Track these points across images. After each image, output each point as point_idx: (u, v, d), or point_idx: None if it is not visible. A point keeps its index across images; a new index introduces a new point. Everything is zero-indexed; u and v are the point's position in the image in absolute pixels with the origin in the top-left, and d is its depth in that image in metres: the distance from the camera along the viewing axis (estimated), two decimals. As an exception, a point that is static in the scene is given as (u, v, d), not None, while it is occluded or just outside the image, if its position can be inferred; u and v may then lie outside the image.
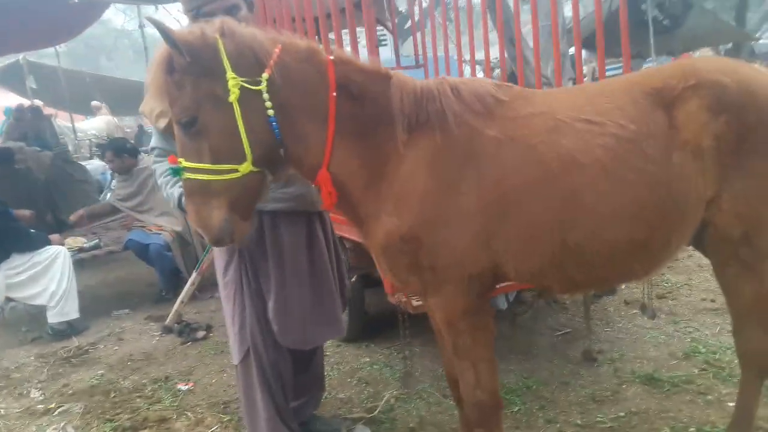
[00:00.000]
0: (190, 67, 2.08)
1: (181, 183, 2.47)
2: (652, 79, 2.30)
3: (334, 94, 2.21)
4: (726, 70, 2.28)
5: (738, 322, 2.52)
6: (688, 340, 4.04)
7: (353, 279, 4.00)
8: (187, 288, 5.25)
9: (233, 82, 2.09)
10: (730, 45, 14.32)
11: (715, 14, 13.60)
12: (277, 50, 2.17)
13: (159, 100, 2.25)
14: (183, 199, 2.45)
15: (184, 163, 2.17)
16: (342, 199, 2.31)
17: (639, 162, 2.17)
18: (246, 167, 2.13)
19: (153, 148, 2.90)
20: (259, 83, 2.13)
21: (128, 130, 15.44)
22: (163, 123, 2.70)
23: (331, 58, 2.27)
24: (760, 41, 17.08)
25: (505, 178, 2.19)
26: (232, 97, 2.09)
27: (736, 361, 3.58)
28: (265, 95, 2.13)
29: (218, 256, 2.94)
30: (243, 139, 2.11)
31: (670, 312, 4.58)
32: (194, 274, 5.27)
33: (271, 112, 2.15)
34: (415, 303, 3.28)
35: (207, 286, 5.81)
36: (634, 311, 4.53)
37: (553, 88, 2.63)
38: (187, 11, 2.71)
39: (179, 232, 6.14)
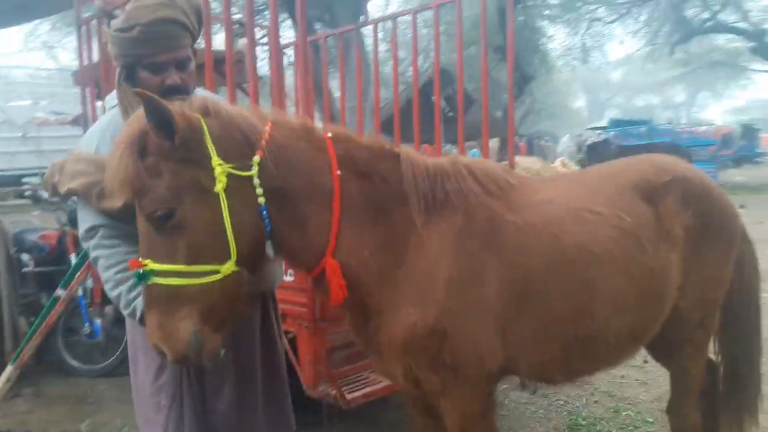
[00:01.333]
0: (171, 152, 1.76)
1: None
2: (630, 173, 2.46)
3: (338, 172, 1.99)
4: (688, 167, 2.54)
5: (679, 401, 2.70)
6: (564, 413, 4.27)
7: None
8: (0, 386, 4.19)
9: (220, 170, 1.79)
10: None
11: (489, 110, 15.53)
12: (267, 128, 1.92)
13: (118, 185, 1.80)
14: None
15: (153, 265, 1.77)
16: (349, 291, 2.03)
17: (637, 253, 2.27)
18: (229, 267, 1.81)
19: (93, 228, 2.20)
20: (249, 168, 1.85)
21: None
22: (111, 203, 2.13)
23: (329, 135, 2.05)
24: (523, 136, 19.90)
25: (526, 265, 2.13)
26: (219, 187, 1.79)
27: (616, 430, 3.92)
28: (256, 181, 1.86)
29: (140, 345, 2.35)
30: (229, 235, 1.80)
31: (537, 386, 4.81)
32: (10, 368, 4.24)
33: (262, 200, 1.87)
34: (349, 396, 2.99)
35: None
36: (506, 386, 4.69)
37: (543, 178, 2.67)
38: (122, 56, 2.22)
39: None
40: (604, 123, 27.62)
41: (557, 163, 7.52)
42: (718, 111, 60.56)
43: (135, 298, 2.10)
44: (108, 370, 5.27)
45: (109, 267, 2.16)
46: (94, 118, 5.16)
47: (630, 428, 4.00)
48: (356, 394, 2.98)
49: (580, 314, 2.20)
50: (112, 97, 2.38)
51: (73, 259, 5.15)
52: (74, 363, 5.28)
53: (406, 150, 2.17)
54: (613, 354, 2.35)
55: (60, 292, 4.37)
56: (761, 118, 55.04)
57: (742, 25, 22.88)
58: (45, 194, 5.20)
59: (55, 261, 5.46)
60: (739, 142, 26.74)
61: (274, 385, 2.51)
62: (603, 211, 2.28)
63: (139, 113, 1.81)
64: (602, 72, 49.63)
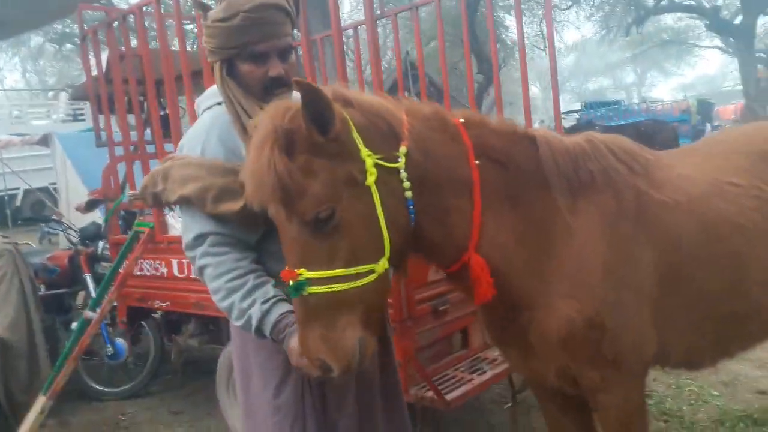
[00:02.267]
0: (323, 147, 1.60)
1: (262, 294, 1.91)
2: (756, 141, 2.35)
3: (477, 161, 1.84)
4: None
5: None
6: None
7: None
8: (33, 419, 3.87)
9: (370, 161, 1.65)
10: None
11: (457, 99, 15.56)
12: (405, 117, 1.77)
13: (268, 189, 1.61)
14: (269, 321, 1.87)
15: (309, 274, 1.61)
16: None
17: None
18: (383, 265, 1.67)
19: (201, 236, 1.99)
20: (396, 159, 1.71)
21: None
22: (230, 206, 1.95)
23: (461, 121, 1.90)
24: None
25: (678, 245, 2.01)
26: (371, 179, 1.65)
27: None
28: (403, 173, 1.71)
29: (254, 360, 2.16)
30: (383, 230, 1.66)
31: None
32: (42, 398, 3.93)
33: (409, 193, 1.72)
34: (449, 396, 2.83)
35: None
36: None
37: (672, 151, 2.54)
38: (223, 49, 2.04)
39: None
40: (565, 108, 27.95)
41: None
42: (666, 89, 62.16)
43: (250, 306, 1.91)
44: (135, 391, 5.02)
45: (219, 275, 1.97)
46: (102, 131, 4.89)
47: (699, 403, 3.95)
48: (455, 393, 2.81)
49: (732, 292, 2.09)
50: (209, 96, 2.18)
51: (89, 279, 4.87)
52: (98, 387, 5.00)
53: (542, 131, 2.02)
54: (764, 329, 2.24)
55: (90, 314, 4.08)
56: (707, 93, 56.92)
57: (690, 2, 23.46)
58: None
59: (68, 282, 5.17)
60: (696, 117, 27.48)
61: (391, 388, 2.34)
62: (742, 183, 2.17)
63: (275, 108, 1.65)
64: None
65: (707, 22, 22.00)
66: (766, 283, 2.13)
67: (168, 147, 4.24)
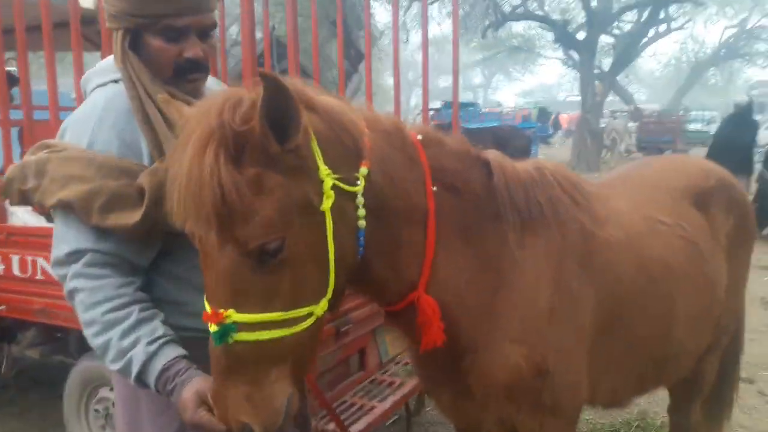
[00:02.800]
0: (278, 159, 1.29)
1: (148, 331, 1.56)
2: (678, 177, 2.35)
3: (434, 188, 1.63)
4: (723, 170, 2.51)
5: (687, 403, 2.65)
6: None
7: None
8: None
9: (329, 182, 1.37)
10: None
11: (323, 84, 15.30)
12: (366, 130, 1.51)
13: (204, 206, 1.26)
14: (154, 368, 1.53)
15: (238, 317, 1.31)
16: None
17: (702, 265, 2.18)
18: (322, 307, 1.42)
19: (77, 252, 1.58)
20: (355, 182, 1.44)
21: None
22: (122, 219, 1.55)
23: (419, 137, 1.67)
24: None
25: (616, 285, 1.94)
26: (326, 204, 1.36)
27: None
28: (360, 199, 1.45)
29: (146, 408, 1.77)
30: (330, 266, 1.39)
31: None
32: None
33: (363, 222, 1.46)
34: (354, 429, 2.59)
35: None
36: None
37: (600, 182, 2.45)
38: (130, 16, 1.63)
39: None
40: (416, 104, 28.60)
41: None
42: (509, 93, 66.22)
43: (131, 346, 1.55)
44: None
45: (94, 305, 1.57)
46: None
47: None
48: (359, 426, 2.58)
49: (660, 335, 2.07)
50: (103, 71, 1.76)
51: None
52: None
53: (495, 155, 1.83)
54: (676, 372, 2.26)
55: None
56: (544, 99, 61.44)
57: (540, 13, 24.94)
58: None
59: None
60: (536, 123, 29.52)
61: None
62: (668, 221, 2.15)
63: (221, 100, 1.30)
64: (411, 52, 51.55)
65: (556, 34, 23.50)
66: (689, 325, 2.14)
67: (14, 114, 3.58)
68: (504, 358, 1.73)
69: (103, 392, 3.37)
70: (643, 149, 25.15)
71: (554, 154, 26.54)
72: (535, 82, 62.54)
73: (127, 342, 1.55)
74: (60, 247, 1.62)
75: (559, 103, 60.30)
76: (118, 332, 1.55)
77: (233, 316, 1.29)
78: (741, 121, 9.38)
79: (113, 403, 3.33)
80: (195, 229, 1.31)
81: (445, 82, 65.15)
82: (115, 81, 1.71)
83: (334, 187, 1.37)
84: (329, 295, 1.41)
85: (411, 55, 57.81)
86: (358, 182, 1.44)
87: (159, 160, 1.60)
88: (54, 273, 1.65)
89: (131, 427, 1.83)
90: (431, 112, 24.06)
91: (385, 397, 2.86)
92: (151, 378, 1.53)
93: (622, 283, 1.94)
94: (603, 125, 22.54)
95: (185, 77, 1.69)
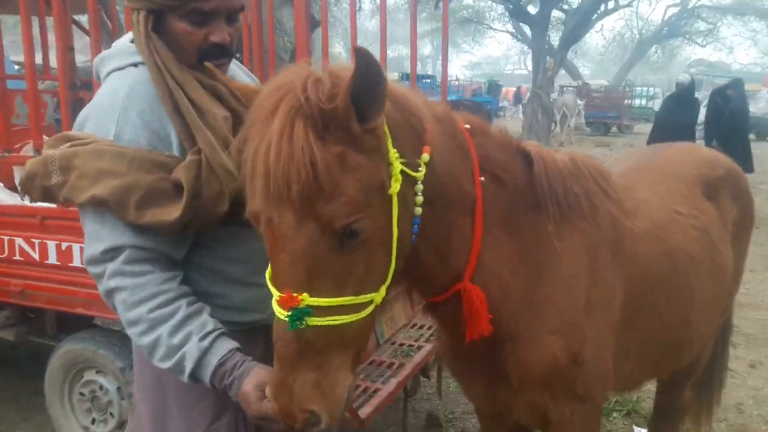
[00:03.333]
0: (359, 139, 1.26)
1: (199, 326, 1.53)
2: (688, 167, 2.41)
3: (482, 178, 1.62)
4: (728, 158, 2.58)
5: (681, 383, 2.76)
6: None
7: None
8: None
9: (398, 166, 1.35)
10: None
11: (278, 54, 15.00)
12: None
13: (279, 181, 1.21)
14: (209, 363, 1.49)
15: (312, 301, 1.27)
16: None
17: (715, 254, 2.25)
18: (381, 294, 1.40)
19: (114, 249, 1.50)
20: (417, 168, 1.42)
21: None
22: (160, 214, 1.48)
23: (467, 126, 1.66)
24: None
25: (644, 277, 1.98)
26: (395, 188, 1.34)
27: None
28: (419, 186, 1.43)
29: (175, 402, 1.72)
30: (393, 251, 1.38)
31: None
32: None
33: (419, 209, 1.45)
34: (362, 412, 2.58)
35: None
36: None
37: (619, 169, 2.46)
38: (155, 2, 1.55)
39: None
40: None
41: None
42: (457, 65, 66.38)
43: (183, 342, 1.50)
44: None
45: (138, 303, 1.51)
46: None
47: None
48: (368, 409, 2.58)
49: (680, 322, 2.12)
50: (122, 53, 1.66)
51: None
52: None
53: (536, 146, 1.83)
54: (688, 356, 2.33)
55: None
56: (491, 72, 61.90)
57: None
58: None
59: None
60: (485, 96, 29.80)
61: None
62: (684, 211, 2.20)
63: (301, 75, 1.26)
64: (362, 21, 50.92)
65: (510, 6, 23.55)
66: (704, 311, 2.21)
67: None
68: (543, 348, 1.75)
69: (89, 375, 3.26)
70: (590, 124, 25.76)
71: (506, 126, 26.81)
72: (482, 54, 62.87)
73: (177, 339, 1.49)
74: (94, 246, 1.54)
75: (506, 76, 60.93)
76: (167, 329, 1.50)
77: (307, 299, 1.26)
78: (683, 100, 9.47)
79: (100, 386, 3.24)
80: (269, 208, 1.25)
81: (393, 52, 64.82)
82: (135, 65, 1.61)
83: (401, 172, 1.34)
84: (389, 281, 1.39)
85: (362, 23, 57.23)
86: (420, 168, 1.41)
87: (191, 152, 1.54)
88: (90, 271, 1.57)
89: (158, 422, 1.78)
90: (387, 84, 23.97)
91: (387, 378, 2.86)
92: (206, 374, 1.49)
93: (649, 272, 1.98)
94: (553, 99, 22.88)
95: (209, 62, 1.60)
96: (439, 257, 1.57)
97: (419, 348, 3.20)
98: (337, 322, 1.29)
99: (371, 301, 1.35)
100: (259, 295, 1.55)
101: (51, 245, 3.07)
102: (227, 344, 1.52)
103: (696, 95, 10.25)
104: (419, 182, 1.42)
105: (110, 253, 1.52)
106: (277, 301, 1.29)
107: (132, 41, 1.63)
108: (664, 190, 2.24)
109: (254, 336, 1.75)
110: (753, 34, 37.00)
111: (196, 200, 1.50)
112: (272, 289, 1.31)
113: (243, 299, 1.71)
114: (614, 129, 25.69)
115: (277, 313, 1.29)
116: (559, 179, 1.78)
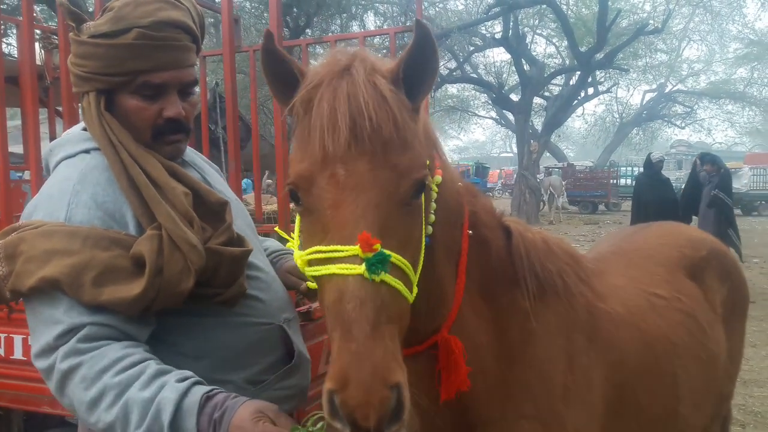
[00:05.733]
0: (411, 112, 1.30)
1: (174, 374, 1.37)
2: (668, 249, 2.37)
3: (470, 231, 1.59)
4: (713, 238, 2.54)
5: None
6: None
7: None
8: None
9: (427, 162, 1.37)
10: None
11: (270, 141, 15.22)
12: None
13: (363, 122, 1.20)
14: (191, 401, 1.32)
15: (387, 250, 1.19)
16: None
17: (702, 337, 2.18)
18: (415, 291, 1.30)
19: (71, 330, 1.37)
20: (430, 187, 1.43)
21: None
22: (120, 291, 1.39)
23: (460, 183, 1.65)
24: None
25: (622, 363, 1.90)
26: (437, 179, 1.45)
27: None
28: (433, 204, 1.43)
29: None
30: (422, 243, 1.35)
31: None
32: None
33: (430, 229, 1.41)
34: None
35: None
36: None
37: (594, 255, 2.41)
38: (100, 75, 1.52)
39: None
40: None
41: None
42: (445, 150, 67.62)
43: (158, 390, 1.31)
44: None
45: (100, 372, 1.34)
46: None
47: None
48: None
49: (666, 415, 2.02)
50: (71, 141, 1.62)
51: None
52: None
53: (515, 221, 1.80)
54: None
55: None
56: (477, 156, 63.15)
57: (473, 76, 25.82)
58: None
59: None
60: (473, 178, 30.30)
61: None
62: (665, 295, 2.15)
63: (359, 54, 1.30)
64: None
65: (494, 95, 24.32)
66: (693, 400, 2.11)
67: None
68: None
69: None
70: (578, 203, 26.12)
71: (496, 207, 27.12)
72: (468, 139, 64.35)
73: (150, 391, 1.31)
74: (45, 334, 1.39)
75: (493, 159, 62.10)
76: (137, 387, 1.32)
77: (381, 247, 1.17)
78: (656, 178, 9.61)
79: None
80: (334, 162, 1.21)
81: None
82: (86, 151, 1.58)
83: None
84: (416, 279, 1.29)
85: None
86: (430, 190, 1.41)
87: (150, 227, 1.46)
88: (39, 366, 1.41)
89: None
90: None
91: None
92: (191, 414, 1.29)
93: (629, 360, 1.91)
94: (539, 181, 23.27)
95: (163, 140, 1.58)
96: (425, 299, 1.42)
97: None
98: (404, 291, 1.21)
99: (411, 289, 1.26)
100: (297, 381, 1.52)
101: (17, 339, 2.95)
102: (207, 387, 1.36)
103: (676, 173, 10.32)
104: (433, 200, 1.41)
105: (65, 337, 1.37)
106: (360, 243, 1.16)
107: (84, 129, 1.60)
108: (639, 274, 2.19)
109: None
110: (729, 116, 38.20)
111: (158, 277, 1.41)
112: (342, 237, 1.18)
113: None
114: (602, 207, 26.04)
115: (345, 271, 1.16)
116: (536, 255, 1.74)
